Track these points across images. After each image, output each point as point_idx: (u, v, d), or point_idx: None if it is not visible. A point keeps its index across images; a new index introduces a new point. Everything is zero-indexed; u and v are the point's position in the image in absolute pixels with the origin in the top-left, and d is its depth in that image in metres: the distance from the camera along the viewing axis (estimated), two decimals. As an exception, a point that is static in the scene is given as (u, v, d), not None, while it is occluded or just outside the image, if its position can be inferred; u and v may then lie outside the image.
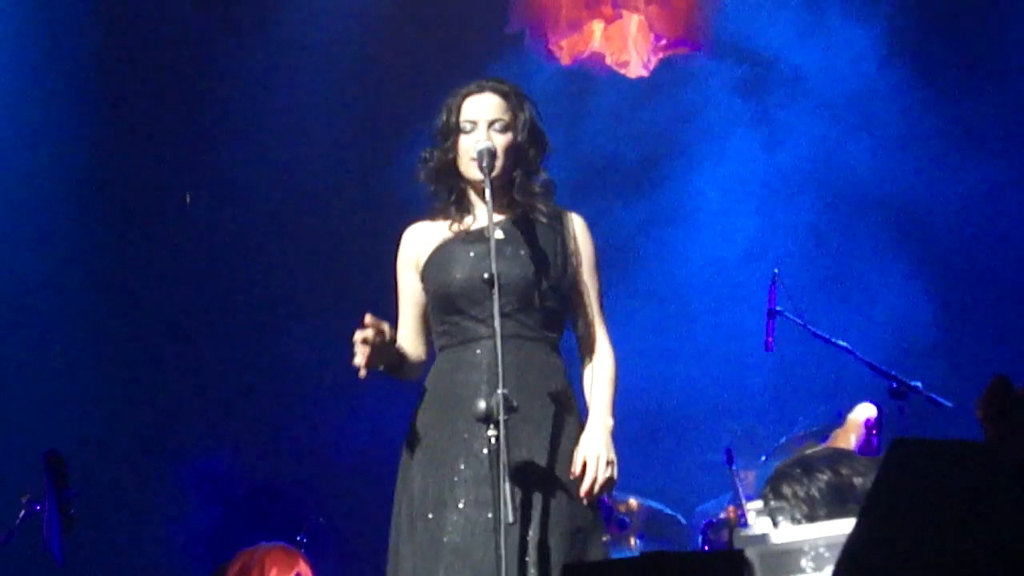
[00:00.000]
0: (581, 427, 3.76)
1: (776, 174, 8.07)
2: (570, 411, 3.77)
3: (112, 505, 6.96)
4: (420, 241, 3.91)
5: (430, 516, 3.63)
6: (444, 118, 3.87)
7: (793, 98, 8.11)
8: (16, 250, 7.29)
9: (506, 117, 3.83)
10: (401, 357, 3.78)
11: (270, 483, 7.47)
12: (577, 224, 3.93)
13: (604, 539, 3.83)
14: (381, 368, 3.68)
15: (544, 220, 3.85)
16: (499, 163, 3.76)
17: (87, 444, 6.72)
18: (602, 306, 3.94)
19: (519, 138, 3.83)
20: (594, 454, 3.66)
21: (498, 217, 3.75)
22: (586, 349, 3.92)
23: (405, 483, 3.77)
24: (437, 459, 3.66)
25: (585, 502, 3.66)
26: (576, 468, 3.65)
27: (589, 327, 3.90)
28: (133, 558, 7.09)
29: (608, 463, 3.67)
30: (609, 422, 3.75)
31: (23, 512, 5.64)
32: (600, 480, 3.65)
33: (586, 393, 3.86)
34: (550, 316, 3.82)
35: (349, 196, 7.75)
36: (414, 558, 3.63)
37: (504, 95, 3.88)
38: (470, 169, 3.80)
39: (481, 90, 3.88)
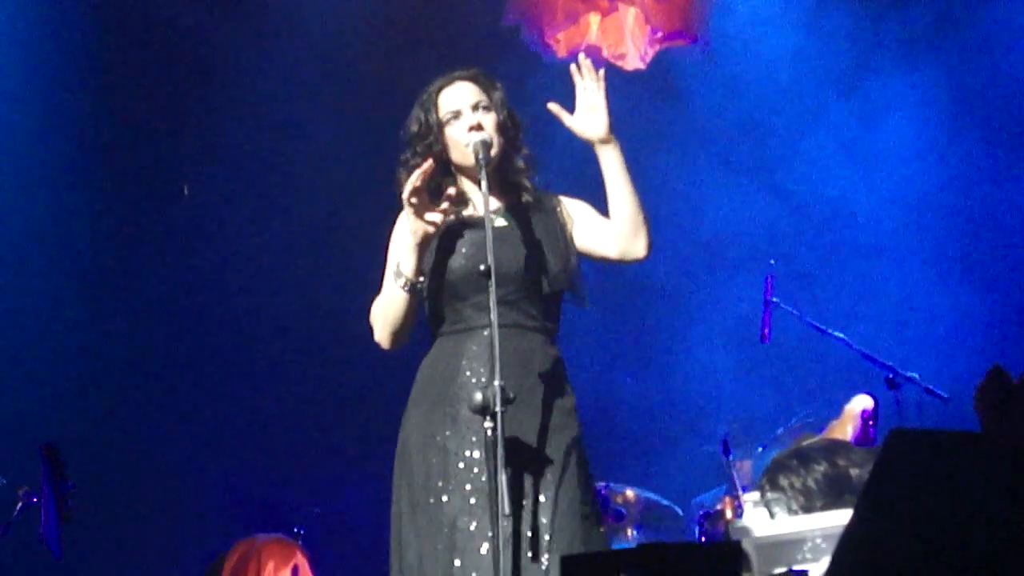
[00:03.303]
0: (578, 424, 3.73)
1: (771, 169, 8.08)
2: (571, 405, 3.74)
3: (109, 497, 6.94)
4: None
5: (431, 501, 3.60)
6: (422, 117, 3.86)
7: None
8: (13, 242, 7.28)
9: (484, 98, 3.85)
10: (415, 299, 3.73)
11: (267, 475, 7.47)
12: (564, 201, 3.93)
13: (602, 529, 3.80)
14: (410, 273, 3.64)
15: (535, 202, 3.86)
16: (494, 146, 3.76)
17: (84, 437, 6.70)
18: None
19: (501, 116, 3.85)
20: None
21: (495, 203, 3.74)
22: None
23: (404, 469, 3.73)
24: (438, 445, 3.63)
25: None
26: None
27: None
28: (130, 550, 7.09)
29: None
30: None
31: (20, 505, 5.65)
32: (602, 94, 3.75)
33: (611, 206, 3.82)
34: (552, 306, 3.80)
35: (348, 189, 7.74)
36: (419, 544, 3.60)
37: (474, 79, 3.89)
38: (467, 157, 3.76)
39: (451, 81, 3.89)
